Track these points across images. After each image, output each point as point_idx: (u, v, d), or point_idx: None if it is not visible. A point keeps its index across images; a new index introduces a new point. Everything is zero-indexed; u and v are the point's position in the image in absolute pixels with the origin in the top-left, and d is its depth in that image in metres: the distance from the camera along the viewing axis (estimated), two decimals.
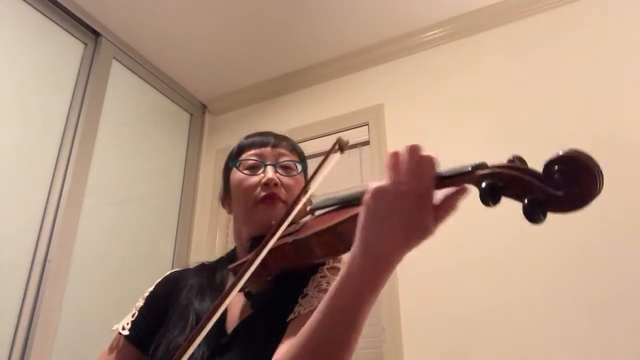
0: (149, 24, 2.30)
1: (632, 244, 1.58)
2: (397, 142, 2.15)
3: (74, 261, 1.88)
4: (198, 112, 2.83)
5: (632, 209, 1.62)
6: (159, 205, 2.43)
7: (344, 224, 0.65)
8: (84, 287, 1.90)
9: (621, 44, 1.87)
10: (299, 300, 0.77)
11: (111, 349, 0.90)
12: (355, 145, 2.30)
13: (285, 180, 0.91)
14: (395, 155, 0.57)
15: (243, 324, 0.80)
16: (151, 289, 0.96)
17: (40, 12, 2.02)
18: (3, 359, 1.61)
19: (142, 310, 0.92)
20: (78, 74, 2.13)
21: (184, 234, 2.50)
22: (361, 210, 0.57)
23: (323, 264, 0.83)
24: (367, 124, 2.29)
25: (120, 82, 2.33)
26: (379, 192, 0.56)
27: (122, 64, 2.36)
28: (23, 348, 1.65)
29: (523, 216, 0.47)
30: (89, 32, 2.21)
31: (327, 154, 0.83)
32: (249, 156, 0.93)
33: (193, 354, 0.74)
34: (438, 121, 2.11)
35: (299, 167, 0.95)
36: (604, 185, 0.44)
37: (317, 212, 0.81)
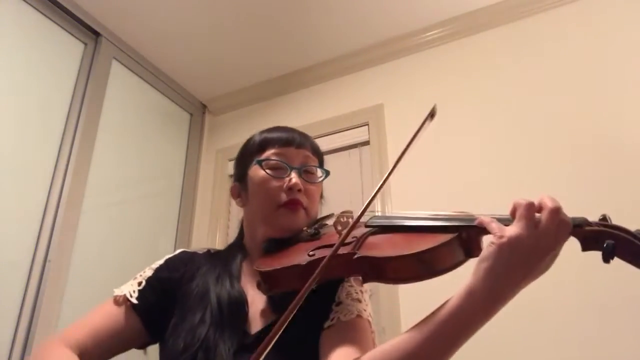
0: (149, 24, 2.30)
1: None
2: (397, 142, 2.15)
3: (74, 261, 1.88)
4: (198, 112, 2.83)
5: (634, 209, 1.62)
6: (159, 205, 2.43)
7: (431, 252, 0.64)
8: (84, 287, 1.90)
9: (622, 44, 1.87)
10: (333, 307, 0.78)
11: (109, 311, 0.83)
12: (355, 145, 2.30)
13: (309, 186, 0.89)
14: (531, 207, 0.60)
15: (268, 329, 0.76)
16: (161, 262, 0.91)
17: (40, 12, 2.02)
18: (3, 358, 1.61)
19: (151, 282, 0.86)
20: (78, 74, 2.13)
21: (184, 234, 2.50)
22: (491, 250, 0.59)
23: None
24: (367, 124, 2.29)
25: (120, 82, 2.33)
26: (514, 242, 0.58)
27: (122, 64, 2.36)
28: (23, 348, 1.64)
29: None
30: (89, 32, 2.21)
31: (423, 121, 0.83)
32: (274, 155, 0.90)
33: (218, 346, 0.74)
34: (438, 121, 2.11)
35: (321, 173, 0.93)
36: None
37: (378, 228, 0.76)
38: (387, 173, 0.74)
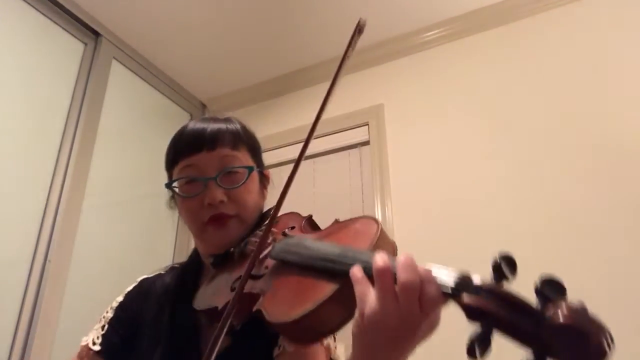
0: (149, 24, 2.30)
1: (633, 244, 1.58)
2: (397, 142, 2.16)
3: (74, 261, 1.88)
4: (198, 112, 2.83)
5: (632, 209, 1.62)
6: (158, 205, 2.41)
7: (324, 308, 0.52)
8: (84, 287, 1.90)
9: (622, 44, 1.87)
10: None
11: None
12: (355, 146, 2.30)
13: (232, 192, 0.79)
14: (385, 275, 0.47)
15: (224, 355, 0.72)
16: (120, 299, 0.89)
17: (40, 12, 2.02)
18: (3, 358, 1.61)
19: (112, 323, 0.85)
20: (78, 74, 2.13)
21: (183, 233, 2.49)
22: (354, 334, 0.51)
23: None
24: (367, 124, 2.29)
25: (120, 82, 2.33)
26: (377, 324, 0.48)
27: (122, 64, 2.36)
28: (23, 348, 1.64)
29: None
30: (89, 32, 2.21)
31: (351, 38, 0.72)
32: (183, 169, 0.80)
33: None
34: (438, 121, 2.11)
35: (248, 171, 0.81)
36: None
37: (279, 262, 0.66)
38: (319, 109, 0.67)
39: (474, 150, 1.97)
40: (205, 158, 0.79)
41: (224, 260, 0.78)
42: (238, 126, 0.86)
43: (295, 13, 2.24)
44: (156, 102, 2.57)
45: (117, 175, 2.22)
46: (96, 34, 2.24)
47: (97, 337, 0.84)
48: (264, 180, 0.89)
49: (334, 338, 0.75)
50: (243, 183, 0.80)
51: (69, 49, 2.14)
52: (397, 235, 1.94)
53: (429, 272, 0.47)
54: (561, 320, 0.38)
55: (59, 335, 1.75)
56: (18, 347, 1.64)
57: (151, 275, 0.94)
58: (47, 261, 1.78)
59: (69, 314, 1.80)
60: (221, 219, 0.78)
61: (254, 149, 0.87)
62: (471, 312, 0.43)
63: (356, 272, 0.50)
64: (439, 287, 0.46)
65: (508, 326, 0.42)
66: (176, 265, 0.94)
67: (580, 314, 0.39)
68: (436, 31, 2.28)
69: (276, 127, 2.51)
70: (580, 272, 1.62)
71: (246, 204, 0.79)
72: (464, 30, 2.23)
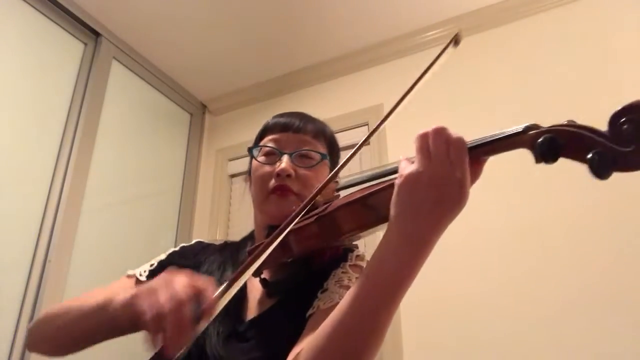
0: (149, 24, 2.30)
1: (632, 244, 1.58)
2: (397, 142, 2.15)
3: (74, 261, 1.88)
4: (198, 112, 2.83)
5: (633, 209, 1.62)
6: (159, 205, 2.43)
7: (375, 196, 0.62)
8: (84, 287, 1.89)
9: (622, 44, 1.87)
10: (318, 294, 0.74)
11: (120, 285, 0.88)
12: (355, 145, 2.30)
13: (301, 171, 0.85)
14: (424, 137, 0.55)
15: (262, 316, 0.78)
16: (176, 249, 0.95)
17: (41, 12, 2.02)
18: (4, 358, 1.61)
19: (162, 264, 0.91)
20: (78, 74, 2.13)
21: (183, 233, 2.49)
22: (394, 195, 0.56)
23: (345, 259, 0.79)
24: (367, 124, 2.29)
25: (120, 82, 2.33)
26: (412, 180, 0.54)
27: (122, 64, 2.36)
28: (23, 348, 1.64)
29: (590, 173, 0.42)
30: (89, 32, 2.21)
31: (444, 48, 0.77)
32: (268, 141, 0.89)
33: (208, 330, 0.74)
34: (438, 121, 2.10)
35: (320, 157, 0.88)
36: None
37: (344, 193, 0.76)
38: (401, 98, 0.73)
39: None
40: (289, 137, 0.88)
41: None
42: (329, 130, 0.96)
43: (295, 13, 2.24)
44: (156, 102, 2.57)
45: (117, 175, 2.22)
46: (96, 34, 2.24)
47: (145, 271, 0.90)
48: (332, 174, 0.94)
49: None
50: (313, 166, 0.86)
51: (69, 49, 2.13)
52: None
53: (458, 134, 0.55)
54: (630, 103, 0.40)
55: None
56: (18, 347, 1.64)
57: (207, 241, 1.00)
58: (47, 261, 1.79)
59: None
60: (285, 190, 0.83)
61: (332, 153, 0.94)
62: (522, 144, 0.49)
63: (402, 158, 0.60)
64: (462, 136, 0.55)
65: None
66: (229, 242, 1.00)
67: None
68: (436, 31, 2.28)
69: None
70: (582, 270, 1.62)
71: (310, 187, 0.83)
72: (464, 30, 2.23)
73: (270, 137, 0.90)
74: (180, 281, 0.56)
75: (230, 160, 2.65)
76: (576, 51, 1.95)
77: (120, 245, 2.14)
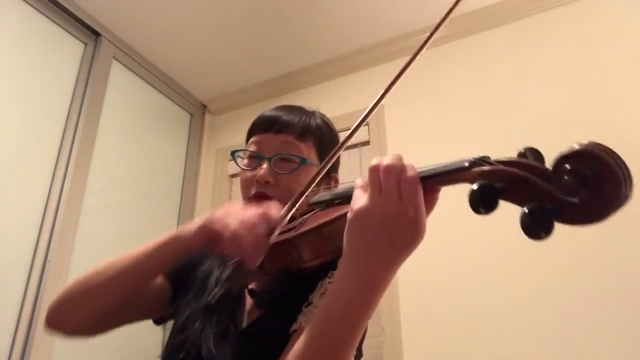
0: (149, 24, 2.30)
1: (632, 245, 1.58)
2: (397, 142, 2.16)
3: (74, 261, 1.88)
4: (198, 112, 2.83)
5: (633, 210, 1.62)
6: (159, 205, 2.43)
7: (329, 226, 0.59)
8: None
9: (622, 44, 1.87)
10: (303, 308, 0.71)
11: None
12: (355, 146, 2.30)
13: (281, 177, 0.81)
14: (375, 172, 0.52)
15: (249, 327, 0.76)
16: None
17: (41, 13, 2.02)
18: (3, 358, 1.61)
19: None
20: (78, 74, 2.13)
21: None
22: (346, 229, 0.53)
23: (333, 267, 0.73)
24: (367, 124, 2.29)
25: (120, 82, 2.33)
26: (362, 217, 0.51)
27: (122, 64, 2.36)
28: (23, 348, 1.65)
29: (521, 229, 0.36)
30: (89, 32, 2.21)
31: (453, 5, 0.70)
32: (250, 144, 0.87)
33: (204, 330, 0.75)
34: (438, 121, 2.11)
35: (300, 162, 0.83)
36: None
37: (317, 208, 0.72)
38: (413, 55, 0.69)
39: (475, 149, 1.97)
40: (270, 139, 0.85)
41: None
42: (317, 121, 0.91)
43: (295, 14, 2.24)
44: (156, 102, 2.57)
45: (117, 175, 2.22)
46: (96, 34, 2.24)
47: None
48: (328, 181, 0.89)
49: None
50: (292, 171, 0.82)
51: (69, 49, 2.14)
52: None
53: (410, 164, 0.52)
54: (577, 147, 0.36)
55: None
56: (18, 347, 1.64)
57: None
58: (47, 261, 1.78)
59: None
60: (263, 197, 0.80)
61: (322, 147, 0.88)
62: (481, 177, 0.42)
63: (357, 181, 0.57)
64: (417, 172, 0.50)
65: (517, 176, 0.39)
66: None
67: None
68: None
69: None
70: (581, 272, 1.62)
71: (291, 193, 0.77)
72: (464, 30, 2.23)
73: (253, 138, 0.88)
74: (246, 209, 0.64)
75: (230, 160, 2.65)
76: (576, 51, 1.95)
77: (120, 245, 2.12)
